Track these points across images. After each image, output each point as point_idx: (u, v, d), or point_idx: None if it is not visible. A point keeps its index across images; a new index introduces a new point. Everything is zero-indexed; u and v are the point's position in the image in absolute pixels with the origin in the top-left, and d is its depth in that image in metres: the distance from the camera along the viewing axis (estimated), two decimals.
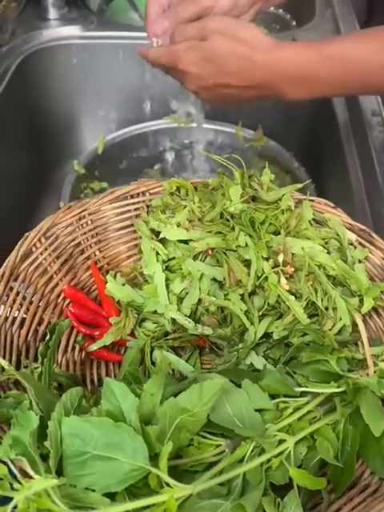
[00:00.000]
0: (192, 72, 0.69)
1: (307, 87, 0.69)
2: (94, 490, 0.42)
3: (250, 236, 0.62)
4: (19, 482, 0.40)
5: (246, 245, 0.62)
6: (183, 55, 0.69)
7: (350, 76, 0.67)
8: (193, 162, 1.24)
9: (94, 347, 0.64)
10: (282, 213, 0.65)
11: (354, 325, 0.62)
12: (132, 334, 0.65)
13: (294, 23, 1.42)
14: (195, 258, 0.64)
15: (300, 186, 0.68)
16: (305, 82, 0.68)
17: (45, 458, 0.43)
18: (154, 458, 0.43)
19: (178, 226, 0.65)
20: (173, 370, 0.64)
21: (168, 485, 0.42)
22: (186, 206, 0.67)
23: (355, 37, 0.70)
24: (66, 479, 0.42)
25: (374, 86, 0.70)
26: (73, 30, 1.19)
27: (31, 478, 0.42)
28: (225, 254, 0.62)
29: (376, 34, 0.67)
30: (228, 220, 0.63)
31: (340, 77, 0.67)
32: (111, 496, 0.42)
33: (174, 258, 0.66)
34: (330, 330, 0.62)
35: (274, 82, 0.68)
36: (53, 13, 1.20)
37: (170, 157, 1.25)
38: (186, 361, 0.65)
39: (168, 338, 0.65)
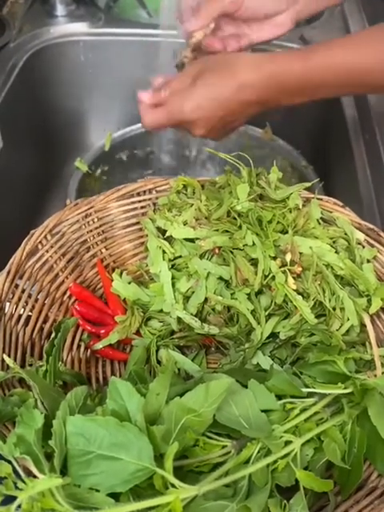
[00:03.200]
0: (196, 118, 0.67)
1: (305, 95, 0.69)
2: (98, 490, 0.41)
3: (258, 235, 0.62)
4: (23, 481, 0.40)
5: (253, 244, 0.61)
6: (180, 106, 0.66)
7: (342, 78, 0.66)
8: (200, 159, 1.23)
9: (99, 345, 0.63)
10: (290, 211, 0.64)
11: (362, 325, 0.62)
12: (138, 332, 0.65)
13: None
14: (202, 256, 0.63)
15: (308, 184, 0.67)
16: (302, 90, 0.68)
17: (49, 457, 0.42)
18: (159, 458, 0.43)
19: (185, 224, 0.65)
20: (178, 370, 0.64)
21: (173, 486, 0.42)
22: (192, 205, 0.66)
23: (344, 42, 0.68)
24: (71, 479, 0.41)
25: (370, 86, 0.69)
26: (80, 27, 1.19)
27: (35, 477, 0.41)
28: (231, 252, 0.62)
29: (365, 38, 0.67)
30: (235, 218, 0.63)
31: (333, 80, 0.67)
32: (115, 496, 0.42)
33: (180, 256, 0.66)
34: (337, 330, 0.61)
35: (272, 97, 0.67)
36: (60, 9, 1.19)
37: (177, 154, 1.24)
38: (192, 360, 0.65)
39: (174, 336, 0.65)
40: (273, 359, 0.62)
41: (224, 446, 0.48)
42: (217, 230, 0.63)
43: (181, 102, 0.66)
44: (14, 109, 1.06)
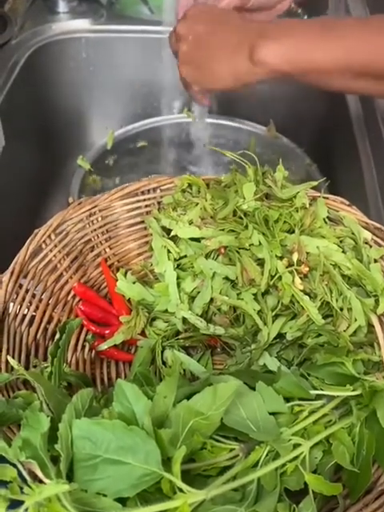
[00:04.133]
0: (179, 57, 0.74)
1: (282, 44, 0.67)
2: (105, 495, 0.41)
3: (264, 234, 0.61)
4: (29, 486, 0.39)
5: (260, 243, 0.61)
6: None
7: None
8: (205, 158, 1.22)
9: (104, 346, 0.63)
10: (297, 211, 0.64)
11: (370, 326, 0.61)
12: (142, 333, 0.64)
13: (305, 17, 1.40)
14: (207, 256, 0.63)
15: (315, 183, 0.66)
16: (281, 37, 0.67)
17: (55, 460, 0.42)
18: (166, 462, 0.42)
19: (190, 223, 0.64)
20: (184, 370, 0.63)
21: (181, 490, 0.41)
22: (197, 204, 0.66)
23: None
24: (77, 483, 0.41)
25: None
26: (82, 24, 1.18)
27: (41, 481, 0.41)
28: (238, 252, 0.61)
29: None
30: (241, 218, 0.62)
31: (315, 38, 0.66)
32: (123, 501, 0.41)
33: (185, 256, 0.65)
34: (344, 331, 0.60)
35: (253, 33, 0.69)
36: (62, 6, 1.19)
37: (181, 152, 1.24)
38: (198, 361, 0.64)
39: (179, 337, 0.64)
40: (279, 360, 0.61)
41: (232, 450, 0.47)
42: (223, 230, 0.62)
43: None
44: (16, 106, 1.06)
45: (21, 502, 0.39)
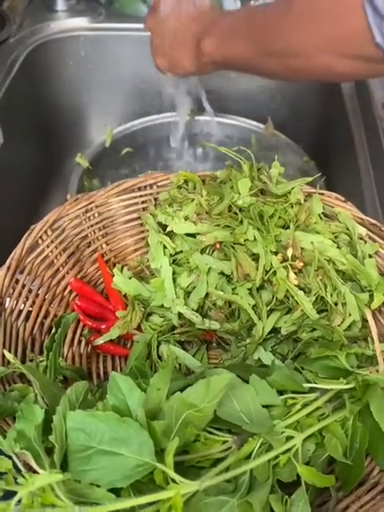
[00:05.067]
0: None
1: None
2: (99, 486, 0.41)
3: (259, 230, 0.61)
4: (23, 477, 0.39)
5: (255, 239, 0.61)
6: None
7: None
8: (201, 154, 1.23)
9: (100, 341, 0.63)
10: (292, 206, 0.64)
11: (364, 320, 0.61)
12: (138, 327, 0.65)
13: None
14: (203, 251, 0.63)
15: (310, 179, 0.67)
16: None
17: (49, 452, 0.42)
18: (159, 453, 0.43)
19: (186, 219, 0.65)
20: (179, 365, 0.63)
21: (174, 481, 0.42)
22: (193, 200, 0.66)
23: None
24: (71, 474, 0.41)
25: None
26: (81, 22, 1.19)
27: (36, 472, 0.41)
28: (233, 247, 0.62)
29: None
30: (236, 213, 0.62)
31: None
32: (116, 491, 0.42)
33: (181, 251, 0.65)
34: (339, 325, 0.61)
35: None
36: (61, 4, 1.19)
37: (178, 149, 1.24)
38: (193, 355, 0.65)
39: (175, 332, 0.64)
40: (274, 354, 0.62)
41: (225, 442, 0.47)
42: (218, 225, 0.62)
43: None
44: (15, 104, 1.06)
45: (15, 493, 0.39)
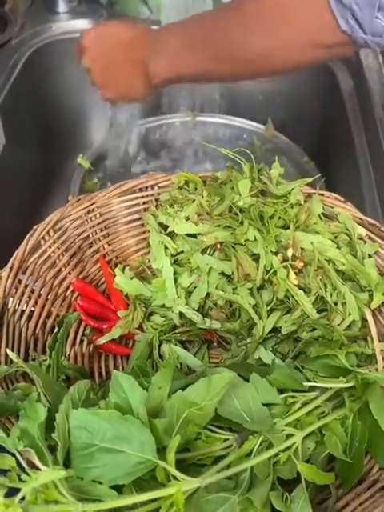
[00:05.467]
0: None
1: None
2: (101, 483, 0.42)
3: (259, 230, 0.62)
4: (27, 474, 0.40)
5: (255, 239, 0.61)
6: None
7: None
8: (202, 155, 1.23)
9: (102, 340, 0.64)
10: (292, 207, 0.64)
11: (364, 320, 0.62)
12: (140, 327, 0.65)
13: None
14: (203, 251, 0.63)
15: (310, 180, 0.67)
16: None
17: (52, 449, 0.43)
18: (161, 451, 0.43)
19: (187, 219, 0.65)
20: (180, 364, 0.64)
21: (175, 478, 0.42)
22: (194, 200, 0.67)
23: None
24: (74, 471, 0.42)
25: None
26: (82, 24, 1.19)
27: (39, 469, 0.42)
28: (233, 247, 0.62)
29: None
30: (237, 214, 0.63)
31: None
32: (118, 488, 0.42)
33: (182, 251, 0.66)
34: (339, 325, 0.61)
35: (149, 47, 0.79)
36: (62, 6, 1.20)
37: (179, 150, 1.25)
38: (194, 355, 0.65)
39: (176, 331, 0.65)
40: (274, 354, 0.62)
41: (226, 440, 0.48)
42: (219, 226, 0.63)
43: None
44: (17, 106, 1.07)
45: (19, 490, 0.40)
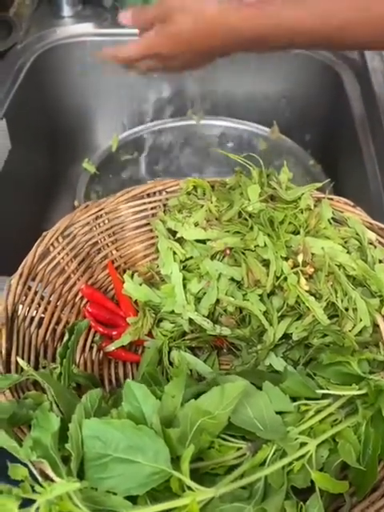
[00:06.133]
0: (164, 53, 0.71)
1: (256, 48, 0.72)
2: (115, 493, 0.41)
3: (269, 236, 0.62)
4: (40, 485, 0.40)
5: (265, 245, 0.61)
6: (153, 42, 0.71)
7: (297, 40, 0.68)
8: (210, 160, 1.23)
9: (111, 347, 0.63)
10: (302, 212, 0.64)
11: (375, 326, 0.62)
12: (150, 333, 0.65)
13: None
14: (213, 257, 0.63)
15: (319, 184, 0.67)
16: (255, 44, 0.69)
17: (66, 459, 0.42)
18: (175, 460, 0.43)
19: (196, 225, 0.65)
20: (190, 371, 0.63)
21: (190, 488, 0.42)
22: (203, 206, 0.66)
23: None
24: (88, 482, 0.41)
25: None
26: (87, 28, 1.19)
27: (52, 480, 0.41)
28: (243, 253, 0.62)
29: None
30: (246, 219, 0.63)
31: (288, 41, 0.68)
32: (133, 499, 0.42)
33: (191, 257, 0.65)
34: (350, 331, 0.61)
35: (232, 46, 0.70)
36: (67, 10, 1.20)
37: (186, 155, 1.24)
38: (204, 361, 0.65)
39: (186, 338, 0.65)
40: (285, 360, 0.62)
41: (239, 448, 0.48)
42: (228, 231, 0.63)
43: (155, 36, 0.70)
44: (22, 110, 1.07)
45: (32, 501, 0.39)
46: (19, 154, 1.04)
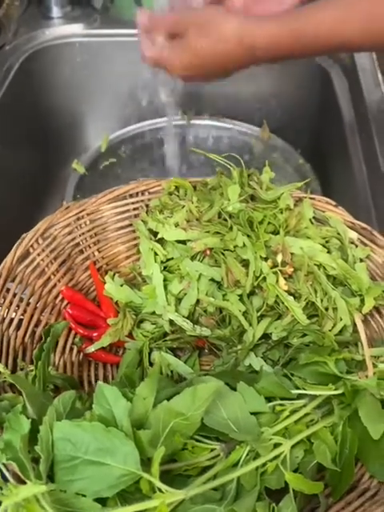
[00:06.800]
0: (177, 68, 0.71)
1: (277, 60, 0.71)
2: (84, 495, 0.41)
3: (248, 236, 0.61)
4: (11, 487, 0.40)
5: (244, 245, 0.61)
6: (167, 57, 0.70)
7: (320, 49, 0.68)
8: (196, 159, 1.23)
9: (91, 349, 0.63)
10: (281, 212, 0.64)
11: (356, 325, 0.61)
12: (130, 335, 0.65)
13: None
14: (193, 258, 0.63)
15: (299, 184, 0.67)
16: (276, 59, 0.70)
17: (37, 461, 0.42)
18: (146, 462, 0.43)
19: (176, 226, 0.65)
20: (171, 372, 0.63)
21: (160, 490, 0.42)
22: (184, 206, 0.66)
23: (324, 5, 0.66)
24: (57, 484, 0.41)
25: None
26: (76, 28, 1.19)
27: (24, 482, 0.41)
28: (223, 254, 0.62)
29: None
30: (226, 220, 0.62)
31: (311, 51, 0.68)
32: (103, 501, 0.42)
33: (172, 258, 0.65)
34: (330, 330, 0.61)
35: (250, 61, 0.70)
36: (56, 11, 1.19)
37: (176, 155, 1.24)
38: (185, 362, 0.64)
39: (167, 338, 0.64)
40: (265, 360, 0.62)
41: (213, 450, 0.48)
42: (208, 232, 0.63)
43: (169, 53, 0.70)
44: (11, 111, 1.06)
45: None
46: (8, 154, 1.04)
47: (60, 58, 1.18)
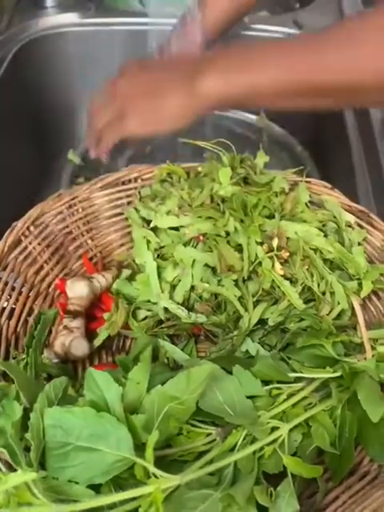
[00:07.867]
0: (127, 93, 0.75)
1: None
2: (77, 482, 0.41)
3: (242, 220, 0.60)
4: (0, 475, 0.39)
5: (236, 230, 0.60)
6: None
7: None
8: (190, 147, 1.21)
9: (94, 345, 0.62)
10: (276, 196, 0.63)
11: (353, 309, 0.60)
12: (127, 325, 0.64)
13: (297, 5, 1.38)
14: (186, 244, 0.62)
15: (293, 170, 0.66)
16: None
17: (28, 449, 0.42)
18: (140, 448, 0.42)
19: (168, 213, 0.64)
20: (167, 359, 0.63)
21: (155, 475, 0.41)
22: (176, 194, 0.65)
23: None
24: (48, 471, 0.41)
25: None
26: (70, 18, 1.18)
27: (16, 470, 0.41)
28: (215, 240, 0.61)
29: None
30: (218, 204, 0.61)
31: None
32: (96, 488, 0.41)
33: (165, 245, 0.64)
34: (327, 314, 0.60)
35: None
36: (50, 0, 1.18)
37: (173, 143, 1.23)
38: (182, 349, 0.63)
39: (163, 326, 0.63)
40: (262, 346, 0.60)
41: (209, 434, 0.47)
42: (200, 217, 0.62)
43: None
44: (5, 102, 1.05)
45: None
46: (2, 145, 1.03)
47: (54, 47, 1.16)
